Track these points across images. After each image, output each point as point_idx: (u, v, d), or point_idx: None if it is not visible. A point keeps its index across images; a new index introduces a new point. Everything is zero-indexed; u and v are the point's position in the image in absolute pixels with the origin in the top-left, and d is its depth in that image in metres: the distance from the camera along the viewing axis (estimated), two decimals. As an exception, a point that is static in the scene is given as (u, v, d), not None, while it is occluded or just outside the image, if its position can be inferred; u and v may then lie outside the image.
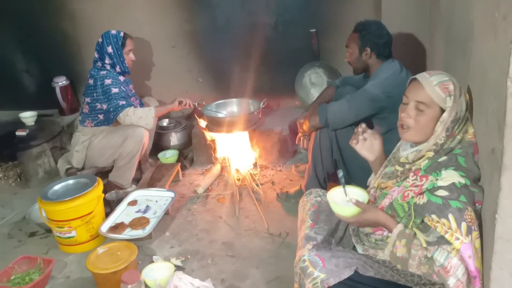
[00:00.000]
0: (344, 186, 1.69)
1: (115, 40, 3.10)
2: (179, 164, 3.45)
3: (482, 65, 1.52)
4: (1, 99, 4.32)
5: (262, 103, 3.30)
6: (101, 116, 3.11)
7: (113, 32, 3.12)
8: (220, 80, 3.89)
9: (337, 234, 1.88)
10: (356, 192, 1.68)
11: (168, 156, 3.60)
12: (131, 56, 3.21)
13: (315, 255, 1.59)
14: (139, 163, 3.33)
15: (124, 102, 3.03)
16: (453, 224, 1.38)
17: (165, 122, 3.90)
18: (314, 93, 3.68)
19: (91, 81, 3.11)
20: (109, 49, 3.09)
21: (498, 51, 1.32)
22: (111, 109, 3.02)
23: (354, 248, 1.82)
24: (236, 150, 3.35)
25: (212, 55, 3.88)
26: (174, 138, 3.75)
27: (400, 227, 1.54)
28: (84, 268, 2.26)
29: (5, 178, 3.65)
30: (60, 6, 3.84)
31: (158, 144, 3.70)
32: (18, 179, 3.59)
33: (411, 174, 1.59)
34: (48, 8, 3.86)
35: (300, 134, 2.81)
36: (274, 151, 3.53)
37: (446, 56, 2.32)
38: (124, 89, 3.13)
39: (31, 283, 2.22)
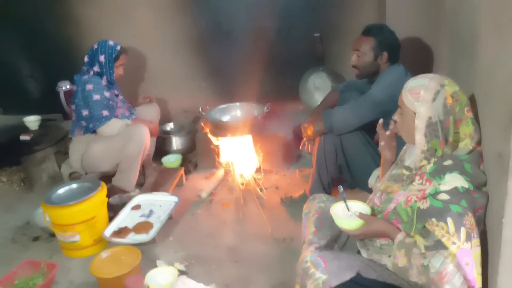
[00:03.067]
0: (345, 201, 1.75)
1: (110, 51, 3.08)
2: (183, 168, 3.44)
3: (488, 68, 1.51)
4: (5, 103, 4.35)
5: (266, 108, 3.30)
6: (84, 123, 3.08)
7: (111, 43, 3.11)
8: (224, 85, 3.89)
9: (341, 240, 1.88)
10: (358, 206, 1.75)
11: (172, 160, 3.59)
12: (120, 70, 3.18)
13: (318, 256, 1.58)
14: (143, 167, 3.33)
15: (107, 113, 3.02)
16: (451, 228, 1.38)
17: (168, 127, 3.90)
18: (318, 97, 3.68)
19: (74, 87, 3.11)
20: (101, 58, 3.06)
21: (504, 54, 1.31)
22: (95, 117, 3.01)
23: (358, 253, 1.81)
24: (240, 155, 3.35)
25: (216, 59, 3.89)
26: (178, 143, 3.76)
27: (400, 237, 1.55)
28: (88, 272, 2.25)
29: (9, 182, 3.65)
30: (65, 12, 3.86)
31: (162, 148, 3.70)
32: (22, 184, 3.59)
33: (417, 177, 1.59)
34: (53, 14, 3.89)
35: (304, 139, 2.80)
36: (278, 155, 3.52)
37: (452, 60, 2.31)
38: (107, 95, 3.08)
39: (35, 288, 2.21)
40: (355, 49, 2.57)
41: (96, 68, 3.08)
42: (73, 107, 3.12)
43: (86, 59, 3.12)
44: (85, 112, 3.04)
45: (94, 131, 3.07)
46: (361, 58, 2.55)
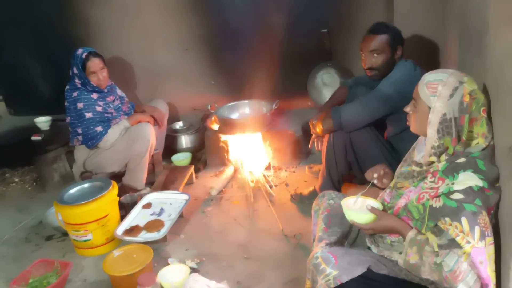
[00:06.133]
0: (357, 196, 1.75)
1: (77, 61, 2.96)
2: (193, 166, 3.45)
3: (499, 62, 1.50)
4: (16, 104, 4.39)
5: (274, 104, 3.30)
6: (80, 138, 3.08)
7: (78, 52, 2.99)
8: (233, 82, 3.90)
9: (351, 236, 1.89)
10: (369, 202, 1.74)
11: (182, 158, 3.61)
12: (100, 76, 3.01)
13: (328, 252, 1.59)
14: (153, 166, 3.35)
15: (101, 129, 3.00)
16: (466, 228, 1.36)
17: (178, 125, 3.92)
18: (327, 93, 3.66)
19: (66, 103, 3.07)
20: (75, 70, 2.99)
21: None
22: (90, 136, 3.01)
23: (368, 250, 1.81)
24: (249, 152, 3.35)
25: (224, 57, 3.89)
26: (187, 141, 3.77)
27: (411, 234, 1.54)
28: (101, 271, 2.28)
29: (22, 182, 3.69)
30: (74, 13, 3.88)
31: (171, 147, 3.72)
32: (34, 184, 3.64)
33: (429, 175, 1.57)
34: (62, 15, 3.91)
35: (313, 136, 2.80)
36: (287, 152, 3.52)
37: (461, 54, 2.30)
38: (99, 108, 3.04)
39: (49, 286, 2.24)
40: (372, 49, 2.47)
41: (77, 80, 3.01)
42: (68, 119, 3.11)
43: (70, 72, 3.05)
44: (79, 130, 3.04)
45: (91, 147, 3.08)
46: (380, 57, 2.47)
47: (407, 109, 1.66)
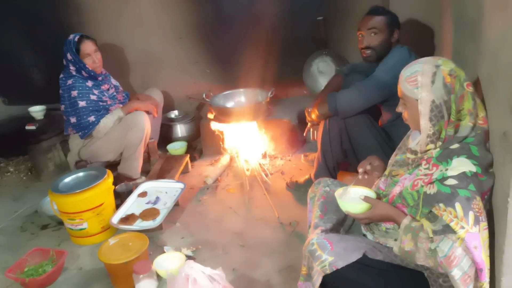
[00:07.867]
0: (347, 186, 1.76)
1: (71, 46, 2.96)
2: (188, 155, 3.45)
3: (493, 47, 1.50)
4: (10, 94, 4.34)
5: (270, 93, 3.29)
6: (73, 127, 3.08)
7: (70, 37, 2.99)
8: (228, 71, 3.87)
9: (346, 223, 1.89)
10: (363, 191, 1.75)
11: (177, 147, 3.61)
12: (94, 58, 3.03)
13: (324, 239, 1.60)
14: (148, 154, 3.34)
15: (93, 119, 2.99)
16: (460, 213, 1.37)
17: (173, 114, 3.91)
18: (322, 81, 3.65)
19: (61, 91, 3.06)
20: (69, 56, 2.98)
21: (510, 33, 1.30)
22: (82, 125, 3.00)
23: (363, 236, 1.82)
24: (245, 141, 3.35)
25: (219, 45, 3.87)
26: (183, 130, 3.77)
27: (405, 221, 1.54)
28: (96, 259, 2.28)
29: (16, 172, 3.69)
30: (67, 1, 3.84)
31: (167, 136, 3.71)
32: (29, 173, 3.63)
33: (424, 162, 1.57)
34: (55, 3, 3.86)
35: (309, 125, 2.80)
36: (283, 140, 3.52)
37: (456, 40, 2.29)
38: (94, 97, 3.04)
39: (45, 275, 2.25)
40: (371, 27, 2.47)
41: (71, 67, 3.00)
42: (62, 107, 3.09)
43: (64, 61, 3.04)
44: (72, 120, 3.03)
45: (83, 137, 3.07)
46: (377, 37, 2.47)
47: (399, 109, 1.65)
